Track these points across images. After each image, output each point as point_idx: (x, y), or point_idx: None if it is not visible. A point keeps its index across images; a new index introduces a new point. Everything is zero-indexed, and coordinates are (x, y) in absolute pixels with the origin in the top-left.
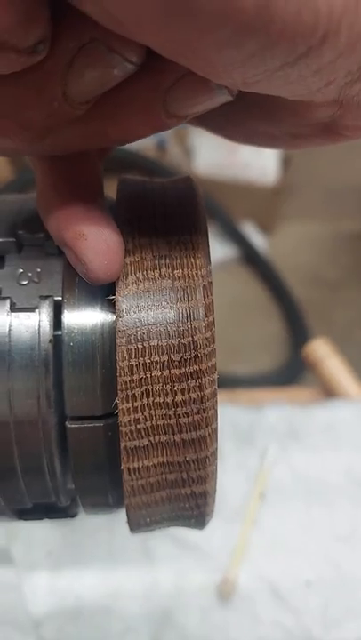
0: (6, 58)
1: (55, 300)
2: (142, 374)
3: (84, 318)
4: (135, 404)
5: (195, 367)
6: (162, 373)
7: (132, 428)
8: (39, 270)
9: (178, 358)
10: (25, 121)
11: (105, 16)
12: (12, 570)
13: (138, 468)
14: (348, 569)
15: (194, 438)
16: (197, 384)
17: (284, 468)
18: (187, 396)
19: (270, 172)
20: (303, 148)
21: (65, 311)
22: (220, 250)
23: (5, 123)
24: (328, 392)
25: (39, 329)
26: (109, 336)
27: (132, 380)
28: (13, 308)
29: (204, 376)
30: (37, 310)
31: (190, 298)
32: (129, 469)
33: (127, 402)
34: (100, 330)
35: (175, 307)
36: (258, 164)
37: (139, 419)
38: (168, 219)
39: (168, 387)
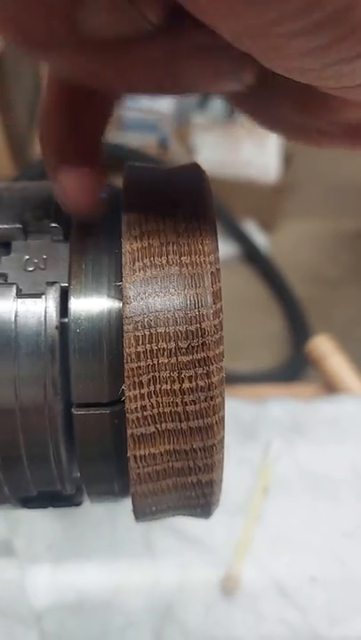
0: None
1: (62, 287)
2: (149, 361)
3: (91, 305)
4: (142, 391)
5: (202, 354)
6: (169, 360)
7: (139, 415)
8: (45, 257)
9: (185, 345)
10: (22, 24)
11: None
12: (14, 563)
13: (144, 455)
14: (353, 565)
15: (201, 426)
16: (205, 372)
17: (288, 462)
18: (194, 383)
19: (272, 171)
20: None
21: (71, 297)
22: (221, 247)
23: (6, 18)
24: (331, 388)
25: (45, 315)
26: (116, 323)
27: (139, 367)
28: (20, 295)
29: (212, 363)
30: (44, 296)
31: (198, 285)
32: (135, 457)
33: (134, 389)
34: (107, 317)
35: (183, 293)
36: (259, 162)
37: (145, 406)
38: (176, 206)
39: (175, 374)
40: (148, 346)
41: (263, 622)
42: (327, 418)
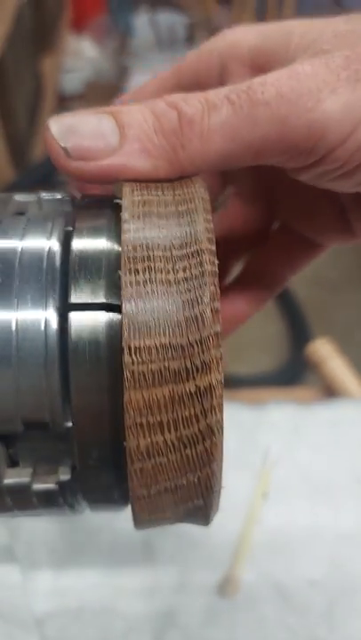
0: None
1: (66, 231)
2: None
3: (92, 243)
4: (138, 278)
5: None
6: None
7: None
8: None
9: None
10: None
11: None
12: (15, 568)
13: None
14: (353, 568)
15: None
16: (201, 272)
17: (287, 466)
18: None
19: None
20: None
21: (74, 237)
22: None
23: None
24: (331, 392)
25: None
26: (115, 257)
27: (136, 261)
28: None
29: (207, 263)
30: (50, 228)
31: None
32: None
33: (130, 274)
34: (108, 251)
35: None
36: None
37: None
38: None
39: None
40: (145, 259)
41: (263, 626)
42: (327, 422)
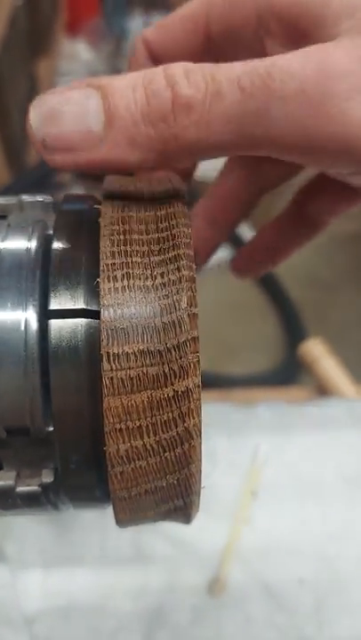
0: None
1: (46, 235)
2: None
3: (72, 248)
4: (117, 285)
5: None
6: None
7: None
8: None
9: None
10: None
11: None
12: (4, 568)
13: (118, 353)
14: (341, 567)
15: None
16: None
17: (277, 465)
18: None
19: None
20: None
21: (54, 241)
22: None
23: None
24: (323, 392)
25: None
26: (95, 263)
27: (115, 268)
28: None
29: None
30: (30, 232)
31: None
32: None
33: (109, 281)
34: (88, 257)
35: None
36: None
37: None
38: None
39: (148, 272)
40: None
41: (252, 624)
42: (316, 421)
